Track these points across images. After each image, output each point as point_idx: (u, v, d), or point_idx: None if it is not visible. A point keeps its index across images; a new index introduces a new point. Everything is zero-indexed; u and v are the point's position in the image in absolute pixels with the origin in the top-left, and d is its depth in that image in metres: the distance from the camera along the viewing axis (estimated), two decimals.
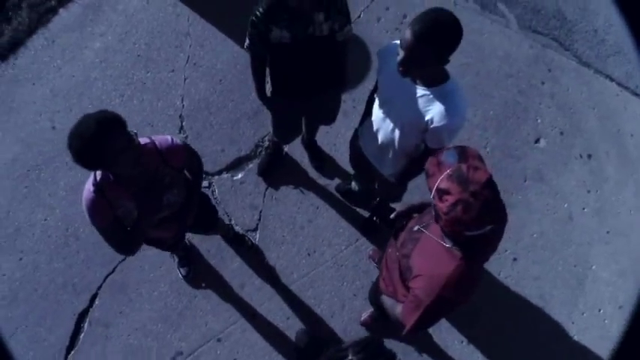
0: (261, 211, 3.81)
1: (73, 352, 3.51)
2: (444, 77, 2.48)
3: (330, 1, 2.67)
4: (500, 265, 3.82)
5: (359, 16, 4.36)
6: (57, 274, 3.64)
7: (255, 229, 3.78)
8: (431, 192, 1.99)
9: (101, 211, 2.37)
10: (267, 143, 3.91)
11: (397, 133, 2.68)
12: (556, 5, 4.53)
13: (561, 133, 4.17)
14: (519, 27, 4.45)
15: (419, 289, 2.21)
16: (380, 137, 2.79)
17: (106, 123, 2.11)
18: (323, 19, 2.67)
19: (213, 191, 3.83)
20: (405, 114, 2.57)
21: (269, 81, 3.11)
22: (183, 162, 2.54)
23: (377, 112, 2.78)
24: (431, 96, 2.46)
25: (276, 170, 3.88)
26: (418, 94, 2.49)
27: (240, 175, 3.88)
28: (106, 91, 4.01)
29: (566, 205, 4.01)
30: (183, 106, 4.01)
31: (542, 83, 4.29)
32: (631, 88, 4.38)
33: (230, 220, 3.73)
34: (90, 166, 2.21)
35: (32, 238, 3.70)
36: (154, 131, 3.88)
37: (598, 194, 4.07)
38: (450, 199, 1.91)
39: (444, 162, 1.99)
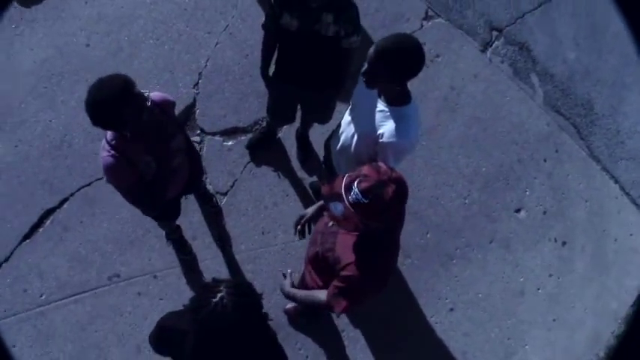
0: (236, 180, 4.02)
1: (28, 241, 3.78)
2: (405, 100, 2.61)
3: (341, 6, 2.84)
4: (435, 310, 3.88)
5: None
6: (41, 170, 3.94)
7: (224, 194, 3.98)
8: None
9: (125, 170, 2.56)
10: (264, 123, 4.12)
11: (355, 139, 2.82)
12: (588, 95, 4.57)
13: (544, 212, 4.21)
14: (544, 102, 4.51)
15: (353, 274, 2.29)
16: (341, 139, 2.94)
17: (121, 88, 2.32)
18: (331, 20, 2.84)
19: (202, 148, 4.06)
20: (363, 122, 2.72)
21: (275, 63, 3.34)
22: (173, 112, 2.81)
23: (346, 115, 2.95)
24: (388, 113, 2.60)
25: (264, 149, 4.08)
26: (378, 108, 2.63)
27: (230, 143, 4.10)
28: (145, 31, 4.32)
29: (522, 279, 4.03)
30: (205, 66, 4.27)
31: (545, 160, 4.33)
32: (632, 196, 4.38)
33: (206, 178, 3.95)
34: (109, 127, 2.44)
35: (33, 132, 4.02)
36: (172, 78, 4.18)
37: (559, 281, 4.07)
38: (394, 196, 2.00)
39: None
